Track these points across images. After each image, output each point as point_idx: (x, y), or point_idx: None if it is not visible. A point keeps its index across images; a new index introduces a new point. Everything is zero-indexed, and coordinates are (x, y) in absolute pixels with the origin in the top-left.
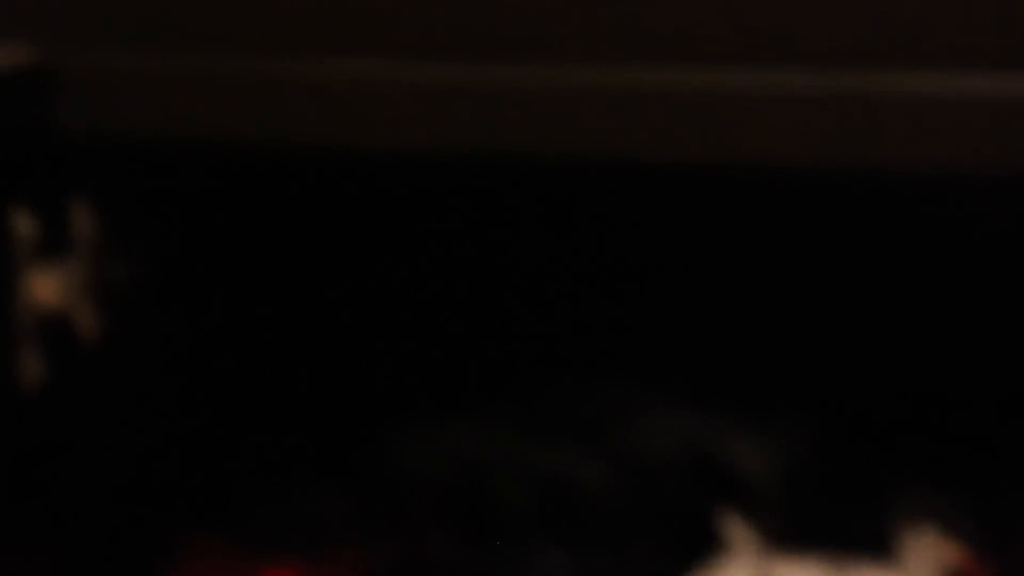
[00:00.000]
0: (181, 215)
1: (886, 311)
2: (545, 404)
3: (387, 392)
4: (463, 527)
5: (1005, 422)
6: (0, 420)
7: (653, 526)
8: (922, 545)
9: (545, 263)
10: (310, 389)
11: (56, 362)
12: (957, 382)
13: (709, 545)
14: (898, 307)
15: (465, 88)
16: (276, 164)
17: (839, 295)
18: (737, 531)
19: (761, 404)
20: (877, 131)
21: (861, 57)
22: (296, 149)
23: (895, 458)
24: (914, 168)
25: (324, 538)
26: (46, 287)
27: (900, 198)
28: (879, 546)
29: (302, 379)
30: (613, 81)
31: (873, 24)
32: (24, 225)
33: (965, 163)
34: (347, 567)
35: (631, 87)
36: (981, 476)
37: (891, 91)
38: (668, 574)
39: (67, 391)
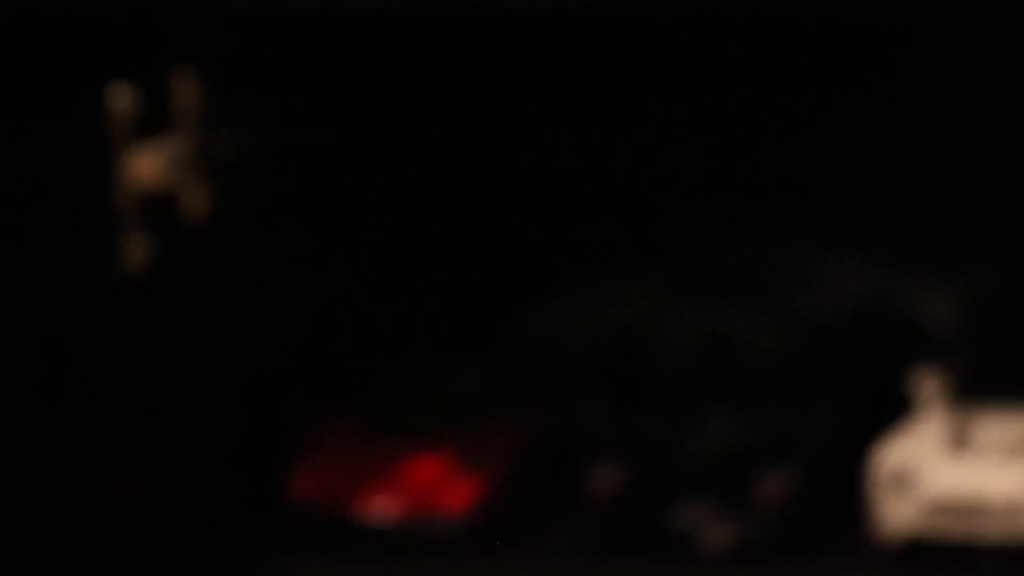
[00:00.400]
0: (291, 83)
1: None
2: (706, 264)
3: (533, 259)
4: (618, 395)
5: None
6: (104, 306)
7: (832, 386)
8: None
9: (700, 116)
10: (449, 261)
11: (162, 243)
12: None
13: (896, 404)
14: None
15: None
16: (391, 24)
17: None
18: (926, 387)
19: (944, 253)
20: None
21: None
22: (407, 8)
23: None
24: None
25: (469, 416)
26: (148, 165)
27: None
28: None
29: (439, 250)
30: None
31: None
32: (123, 100)
33: None
34: (495, 445)
35: None
36: None
37: None
38: (852, 437)
39: (175, 271)
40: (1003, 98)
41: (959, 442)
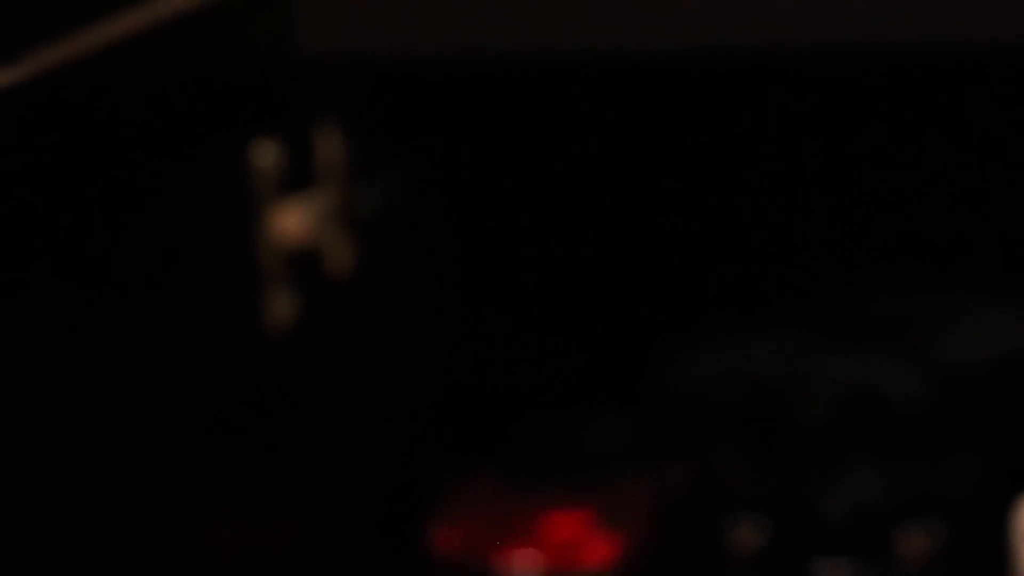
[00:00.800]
0: (432, 137)
1: None
2: (845, 313)
3: (671, 310)
4: (757, 447)
5: None
6: (249, 361)
7: (976, 439)
8: None
9: (835, 162)
10: (587, 311)
11: (307, 298)
12: None
13: None
14: None
15: None
16: (533, 77)
17: None
18: None
19: None
20: None
21: None
22: (557, 59)
23: None
24: None
25: (610, 471)
26: (293, 221)
27: None
28: None
29: (577, 300)
30: None
31: None
32: (268, 156)
33: None
34: (635, 500)
35: None
36: None
37: None
38: (996, 492)
39: (320, 327)
40: None
41: None
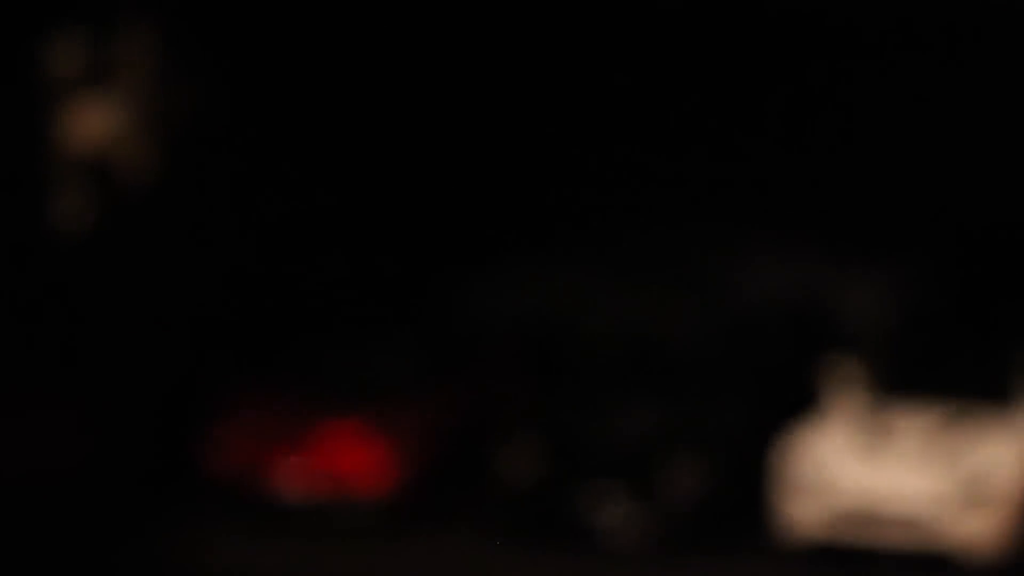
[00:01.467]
0: (250, 35)
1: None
2: (638, 249)
3: (464, 234)
4: (539, 374)
5: None
6: (35, 270)
7: (749, 378)
8: None
9: (638, 89)
10: (382, 232)
11: (104, 207)
12: None
13: (809, 397)
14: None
15: None
16: None
17: (956, 125)
18: (841, 383)
19: (870, 247)
20: None
21: None
22: None
23: (1016, 302)
24: None
25: (389, 391)
26: (92, 123)
27: None
28: (996, 394)
29: (373, 220)
30: None
31: None
32: (65, 51)
33: None
34: (412, 421)
35: None
36: None
37: None
38: (764, 433)
39: (116, 238)
40: (932, 88)
41: (870, 442)
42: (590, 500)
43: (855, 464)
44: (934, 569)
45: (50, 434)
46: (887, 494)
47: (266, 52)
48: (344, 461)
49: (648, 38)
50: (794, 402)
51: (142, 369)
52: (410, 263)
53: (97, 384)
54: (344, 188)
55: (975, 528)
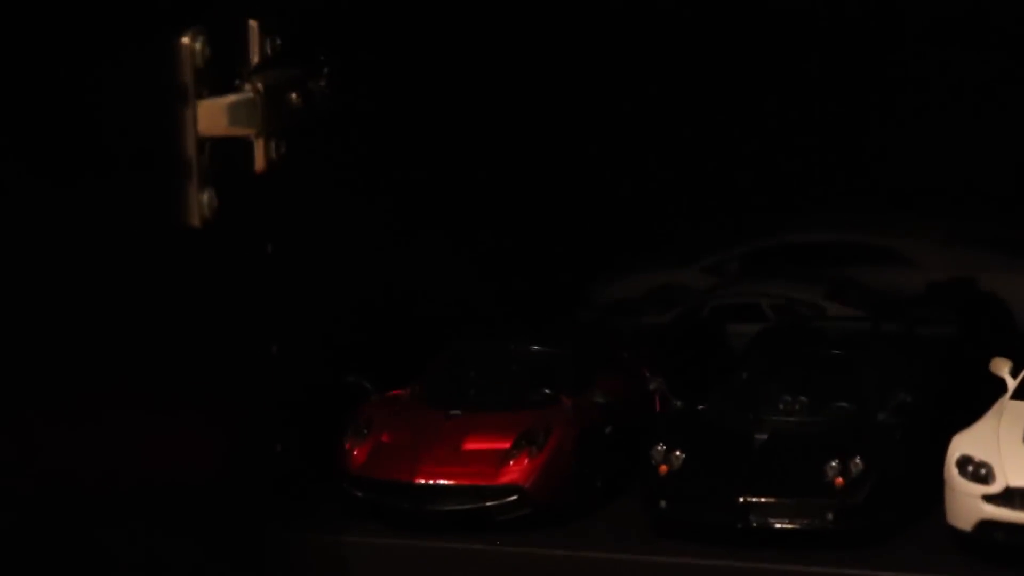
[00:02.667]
0: (360, 44)
1: None
2: (779, 242)
3: (601, 236)
4: (688, 372)
5: None
6: (168, 257)
7: (910, 371)
8: None
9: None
10: (516, 236)
11: (228, 194)
12: None
13: (977, 390)
14: None
15: None
16: None
17: None
18: (1007, 373)
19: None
20: None
21: None
22: None
23: None
24: None
25: (530, 393)
26: (217, 115)
27: None
28: None
29: (507, 227)
30: None
31: None
32: (194, 48)
33: None
34: (556, 421)
35: None
36: None
37: None
38: (930, 424)
39: (239, 227)
40: None
41: None
42: (743, 496)
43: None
44: None
45: (188, 438)
46: None
47: (381, 56)
48: (489, 466)
49: None
50: (962, 393)
51: (280, 368)
52: (559, 262)
53: (234, 385)
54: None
55: None
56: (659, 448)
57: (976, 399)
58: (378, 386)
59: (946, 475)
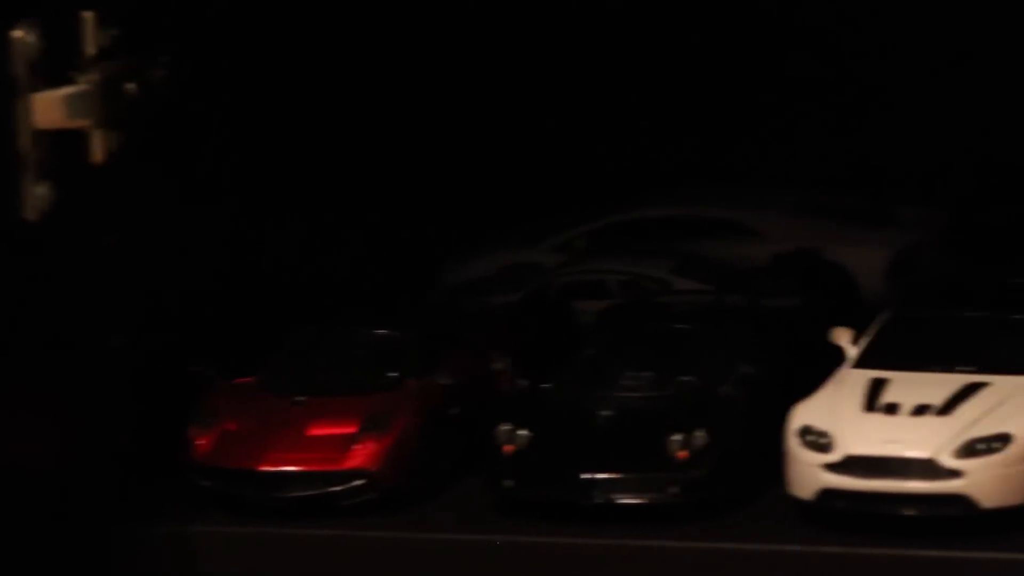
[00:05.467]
0: (195, 34)
1: None
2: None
3: (452, 218)
4: (530, 353)
5: None
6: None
7: (750, 342)
8: None
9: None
10: (361, 220)
11: (63, 186)
12: None
13: (817, 361)
14: None
15: None
16: None
17: None
18: (845, 343)
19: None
20: None
21: None
22: None
23: None
24: None
25: (374, 377)
26: (52, 106)
27: None
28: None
29: (349, 209)
30: None
31: None
32: (28, 40)
33: None
34: (400, 404)
35: None
36: None
37: None
38: (769, 395)
39: (74, 218)
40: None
41: (873, 400)
42: (586, 472)
43: (860, 420)
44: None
45: (26, 429)
46: (891, 448)
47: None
48: (334, 450)
49: None
50: (802, 364)
51: (118, 359)
52: (400, 248)
53: (72, 376)
54: (313, 176)
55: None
56: (503, 428)
57: (820, 369)
58: (224, 374)
59: (787, 445)
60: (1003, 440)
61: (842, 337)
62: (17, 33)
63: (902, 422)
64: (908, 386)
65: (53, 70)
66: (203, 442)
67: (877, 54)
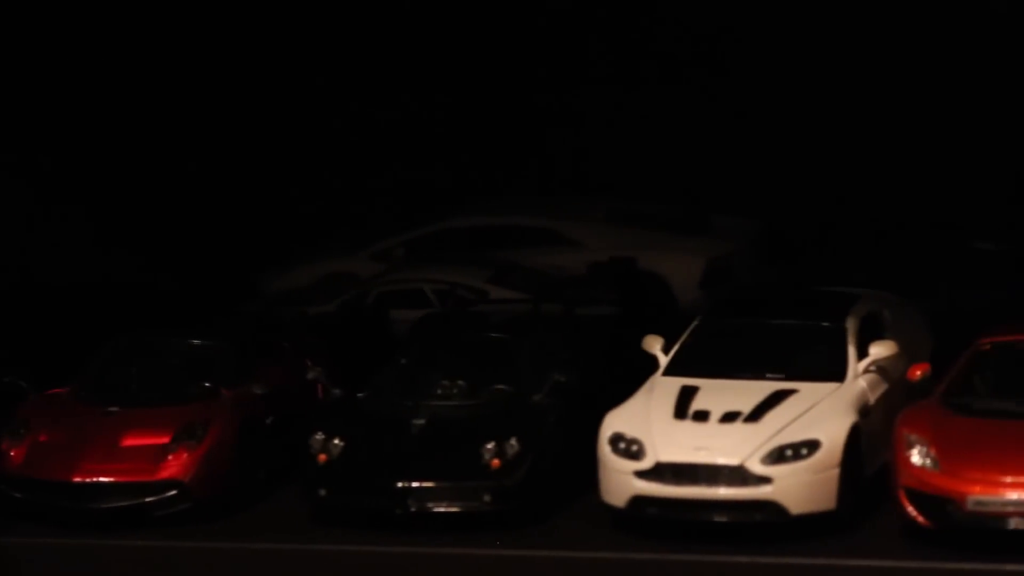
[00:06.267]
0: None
1: None
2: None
3: (265, 234)
4: (346, 363)
5: None
6: None
7: (565, 350)
8: None
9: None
10: (177, 232)
11: None
12: None
13: (628, 369)
14: None
15: None
16: None
17: None
18: (657, 352)
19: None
20: None
21: None
22: None
23: None
24: None
25: (189, 387)
26: None
27: None
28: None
29: (164, 222)
30: None
31: None
32: None
33: None
34: (214, 414)
35: None
36: None
37: None
38: (582, 403)
39: None
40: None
41: (683, 408)
42: (401, 481)
43: (670, 429)
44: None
45: None
46: (699, 455)
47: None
48: (148, 460)
49: None
50: (614, 371)
51: None
52: (217, 259)
53: None
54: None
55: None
56: (317, 437)
57: (634, 376)
58: (36, 385)
59: (599, 453)
60: (811, 446)
61: (653, 345)
62: None
63: (712, 429)
64: (717, 393)
65: None
66: (15, 454)
67: (692, 62)
